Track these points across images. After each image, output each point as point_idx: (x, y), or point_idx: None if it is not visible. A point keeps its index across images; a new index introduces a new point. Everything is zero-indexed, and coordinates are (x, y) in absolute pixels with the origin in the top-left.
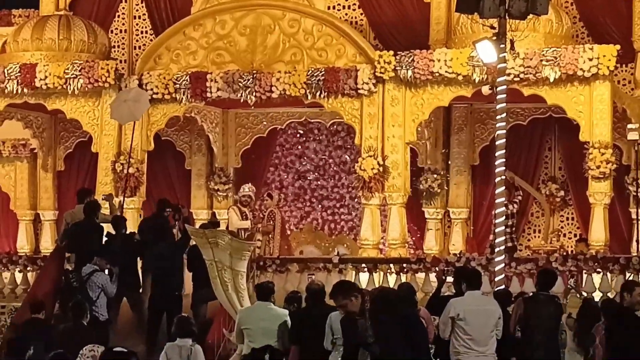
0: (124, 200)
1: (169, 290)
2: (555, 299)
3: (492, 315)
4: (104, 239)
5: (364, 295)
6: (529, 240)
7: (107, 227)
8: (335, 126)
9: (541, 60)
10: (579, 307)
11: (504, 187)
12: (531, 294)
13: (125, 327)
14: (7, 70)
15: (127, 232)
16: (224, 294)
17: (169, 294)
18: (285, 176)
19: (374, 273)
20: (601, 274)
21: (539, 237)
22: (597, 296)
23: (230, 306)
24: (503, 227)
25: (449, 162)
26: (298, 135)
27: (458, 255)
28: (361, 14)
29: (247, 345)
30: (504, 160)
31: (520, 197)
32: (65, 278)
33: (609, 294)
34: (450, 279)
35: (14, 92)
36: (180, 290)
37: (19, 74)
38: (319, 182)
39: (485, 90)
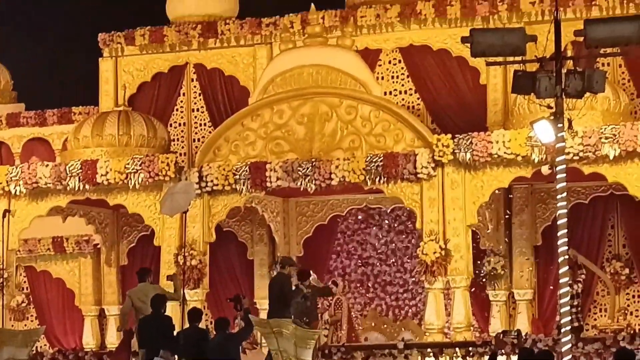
0: (183, 291)
1: None
2: None
3: None
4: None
5: None
6: (595, 319)
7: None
8: (395, 211)
9: (600, 138)
10: None
11: (567, 267)
12: None
13: None
14: (69, 168)
15: (198, 325)
16: None
17: None
18: (348, 263)
19: (439, 358)
20: None
21: (605, 316)
22: None
23: None
24: (568, 307)
25: (512, 243)
26: (359, 221)
27: (524, 337)
28: (418, 98)
29: None
30: (566, 239)
31: (584, 276)
32: None
33: None
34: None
35: (76, 188)
36: None
37: (80, 170)
38: (381, 268)
39: (545, 170)
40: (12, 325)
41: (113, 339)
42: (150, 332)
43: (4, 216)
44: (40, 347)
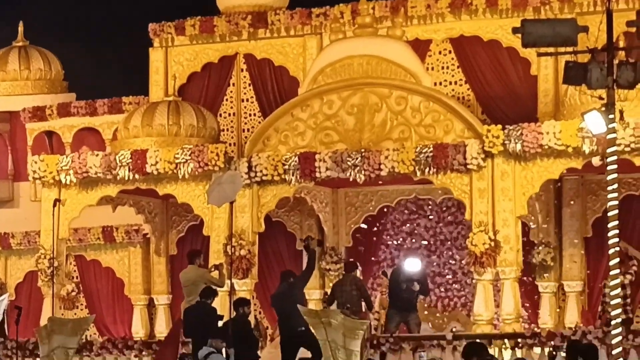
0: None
1: (292, 328)
2: None
3: None
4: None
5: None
6: None
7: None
8: (445, 202)
9: None
10: None
11: (618, 259)
12: None
13: None
14: (119, 157)
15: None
16: None
17: (293, 332)
18: (397, 254)
19: (488, 349)
20: None
21: None
22: None
23: None
24: (619, 300)
25: (562, 235)
26: (408, 212)
27: (573, 329)
28: (468, 89)
29: None
30: (617, 231)
31: (635, 268)
32: None
33: None
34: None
35: (126, 178)
36: (303, 325)
37: (130, 160)
38: (430, 259)
39: (596, 161)
40: (62, 314)
41: (162, 328)
42: (195, 322)
43: (54, 205)
44: (90, 335)
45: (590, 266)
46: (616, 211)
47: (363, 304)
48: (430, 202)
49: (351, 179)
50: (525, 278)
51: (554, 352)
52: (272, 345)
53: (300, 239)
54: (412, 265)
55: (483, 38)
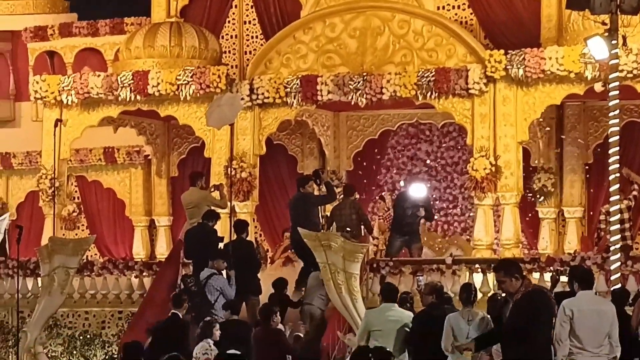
0: (231, 203)
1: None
2: None
3: (606, 315)
4: (221, 245)
5: (528, 281)
6: None
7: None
8: (446, 127)
9: None
10: None
11: (618, 185)
12: None
13: None
14: (120, 78)
15: (246, 237)
16: (337, 297)
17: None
18: (398, 178)
19: (487, 274)
20: None
21: None
22: None
23: (344, 308)
24: (618, 225)
25: (563, 161)
26: (409, 136)
27: (573, 255)
28: (471, 13)
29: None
30: (618, 157)
31: (635, 193)
32: (183, 282)
33: None
34: (564, 278)
35: (127, 99)
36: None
37: (132, 81)
38: (431, 184)
39: (598, 87)
40: (63, 234)
41: (163, 249)
42: (196, 243)
43: (55, 126)
44: (91, 256)
45: (591, 192)
46: (617, 137)
47: (362, 227)
48: (431, 127)
49: (353, 103)
50: (525, 204)
51: (557, 277)
52: (272, 268)
53: (310, 175)
54: (418, 190)
55: None
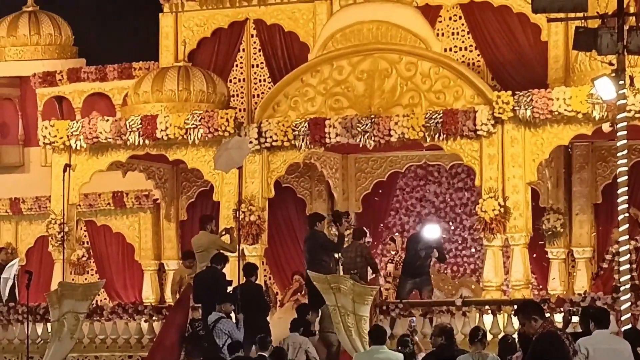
0: (239, 246)
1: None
2: None
3: (622, 354)
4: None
5: (548, 321)
6: None
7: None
8: (454, 168)
9: None
10: None
11: (627, 225)
12: None
13: None
14: (129, 123)
15: (256, 280)
16: (347, 339)
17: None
18: (407, 220)
19: (497, 315)
20: None
21: None
22: None
23: (354, 351)
24: (628, 266)
25: (571, 201)
26: (418, 178)
27: (583, 295)
28: (478, 55)
29: None
30: (626, 197)
31: None
32: (191, 326)
33: None
34: (575, 319)
35: (136, 143)
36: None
37: (140, 125)
38: (440, 225)
39: (606, 127)
40: (73, 279)
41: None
42: (204, 287)
43: (64, 171)
44: (100, 300)
45: (600, 233)
46: (626, 177)
47: (369, 270)
48: (440, 168)
49: (361, 145)
50: (534, 245)
51: (569, 317)
52: (282, 311)
53: (329, 214)
54: (431, 231)
55: (493, 3)
